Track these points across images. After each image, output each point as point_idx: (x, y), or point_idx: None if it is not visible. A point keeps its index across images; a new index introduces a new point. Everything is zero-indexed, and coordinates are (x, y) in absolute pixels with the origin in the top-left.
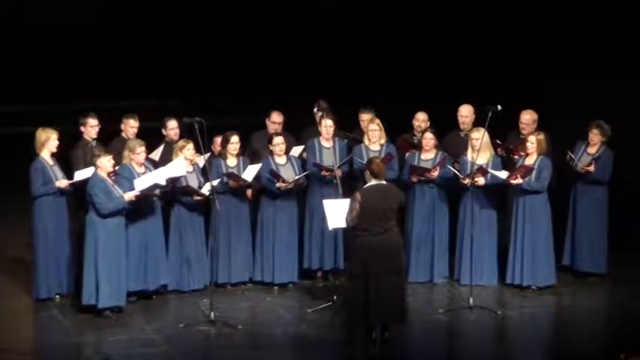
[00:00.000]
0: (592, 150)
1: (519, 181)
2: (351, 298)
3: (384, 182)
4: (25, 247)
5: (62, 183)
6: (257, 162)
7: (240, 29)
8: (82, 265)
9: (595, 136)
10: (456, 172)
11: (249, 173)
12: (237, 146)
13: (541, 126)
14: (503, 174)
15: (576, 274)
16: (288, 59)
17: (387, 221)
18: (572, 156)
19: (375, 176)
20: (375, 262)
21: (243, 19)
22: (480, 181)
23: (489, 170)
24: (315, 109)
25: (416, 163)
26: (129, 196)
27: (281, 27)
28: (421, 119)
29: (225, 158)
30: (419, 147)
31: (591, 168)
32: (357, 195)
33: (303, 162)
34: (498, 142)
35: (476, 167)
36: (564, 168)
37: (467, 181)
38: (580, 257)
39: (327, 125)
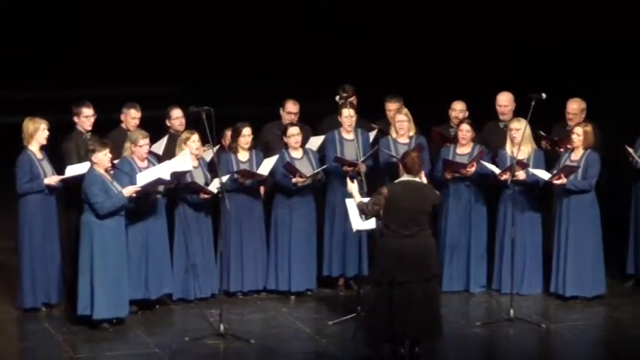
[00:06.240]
0: None
1: (563, 181)
2: (374, 310)
3: (417, 179)
4: (10, 251)
5: (52, 179)
6: (269, 156)
7: (242, 26)
8: (74, 271)
9: None
10: (493, 168)
11: (265, 167)
12: (250, 139)
13: (590, 117)
14: (544, 174)
15: None
16: (289, 59)
17: (417, 224)
18: (631, 151)
19: (408, 171)
20: (402, 268)
21: (245, 16)
22: (521, 175)
23: (530, 170)
24: (338, 98)
25: (450, 158)
26: (128, 191)
27: (281, 26)
28: (458, 109)
29: (235, 152)
30: (454, 140)
31: None
32: (384, 189)
33: (322, 157)
34: (542, 133)
35: (515, 162)
36: (622, 165)
37: (505, 176)
38: None
39: (348, 115)
